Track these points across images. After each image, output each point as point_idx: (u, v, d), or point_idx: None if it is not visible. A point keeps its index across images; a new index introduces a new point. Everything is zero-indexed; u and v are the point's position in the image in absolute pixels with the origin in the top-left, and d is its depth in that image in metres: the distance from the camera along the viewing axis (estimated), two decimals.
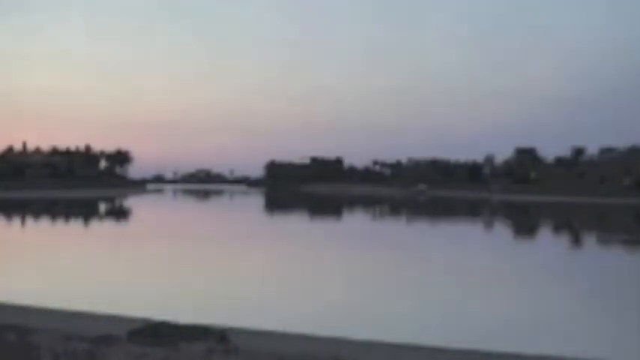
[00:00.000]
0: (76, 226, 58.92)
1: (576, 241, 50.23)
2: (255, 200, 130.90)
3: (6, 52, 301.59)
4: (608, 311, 21.79)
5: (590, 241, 50.60)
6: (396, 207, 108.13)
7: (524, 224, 70.99)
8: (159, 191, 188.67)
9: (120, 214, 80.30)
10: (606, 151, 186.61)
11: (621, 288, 26.91)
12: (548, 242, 48.87)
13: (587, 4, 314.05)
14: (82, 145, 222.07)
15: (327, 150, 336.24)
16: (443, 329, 18.53)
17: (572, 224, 71.30)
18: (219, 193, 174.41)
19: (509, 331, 18.62)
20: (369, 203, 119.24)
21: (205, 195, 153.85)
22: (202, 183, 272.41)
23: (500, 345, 16.45)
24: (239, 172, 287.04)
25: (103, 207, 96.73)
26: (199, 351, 11.26)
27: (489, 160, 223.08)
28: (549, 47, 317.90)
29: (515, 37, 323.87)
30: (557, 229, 63.37)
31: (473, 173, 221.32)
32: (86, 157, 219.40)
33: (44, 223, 61.79)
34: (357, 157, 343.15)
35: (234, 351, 11.54)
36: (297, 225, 64.97)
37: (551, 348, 16.39)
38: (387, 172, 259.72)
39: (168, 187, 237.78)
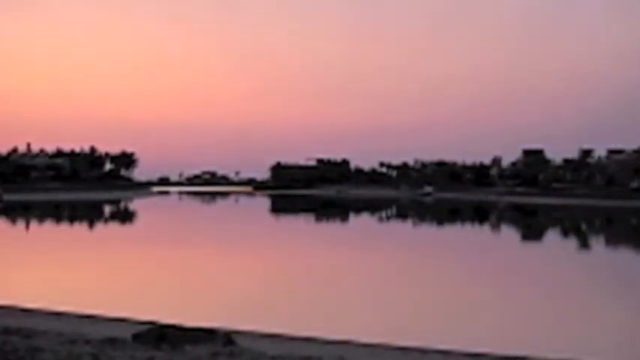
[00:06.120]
0: (81, 228, 58.94)
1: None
2: (261, 202, 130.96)
3: (8, 52, 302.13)
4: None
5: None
6: (402, 209, 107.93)
7: (535, 228, 70.79)
8: (164, 193, 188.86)
9: (125, 216, 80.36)
10: (614, 153, 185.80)
11: None
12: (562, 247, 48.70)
13: (593, 7, 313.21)
14: (86, 147, 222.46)
15: (333, 151, 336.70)
16: (452, 332, 18.38)
17: (581, 228, 71.12)
18: (224, 195, 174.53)
19: (520, 334, 18.47)
20: (376, 205, 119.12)
21: (211, 198, 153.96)
22: (208, 184, 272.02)
23: (508, 347, 16.29)
24: (244, 174, 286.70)
25: (107, 209, 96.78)
26: (205, 354, 11.14)
27: (497, 161, 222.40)
28: (556, 49, 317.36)
29: (521, 38, 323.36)
30: (575, 234, 63.23)
31: (480, 175, 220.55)
32: (91, 159, 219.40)
33: (49, 225, 61.84)
34: (363, 158, 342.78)
35: (239, 354, 11.42)
36: (305, 229, 64.90)
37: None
38: (394, 173, 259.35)
39: (174, 189, 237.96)
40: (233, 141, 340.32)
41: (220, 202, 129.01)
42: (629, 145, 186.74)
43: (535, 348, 16.31)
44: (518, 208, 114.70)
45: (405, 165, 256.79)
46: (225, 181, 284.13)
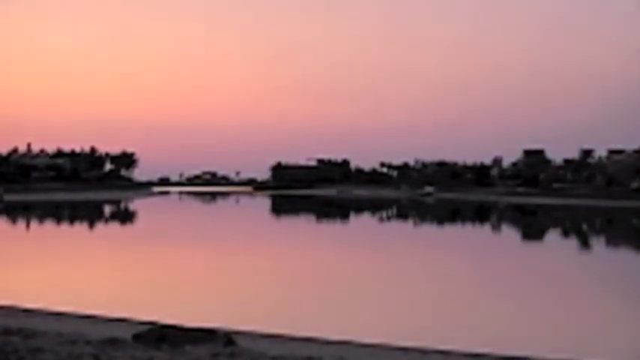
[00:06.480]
0: (81, 228, 58.96)
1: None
2: (262, 203, 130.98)
3: (9, 52, 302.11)
4: None
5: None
6: (403, 209, 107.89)
7: (536, 229, 70.80)
8: (164, 194, 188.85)
9: (125, 217, 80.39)
10: (615, 153, 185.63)
11: None
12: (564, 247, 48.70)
13: (594, 7, 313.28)
14: (87, 147, 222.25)
15: (334, 152, 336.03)
16: (452, 332, 18.38)
17: (582, 228, 71.10)
18: (225, 195, 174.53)
19: (520, 333, 18.47)
20: (377, 205, 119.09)
21: (212, 198, 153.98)
22: (208, 185, 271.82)
23: (512, 348, 16.28)
24: (245, 174, 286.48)
25: (108, 209, 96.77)
26: (205, 354, 11.15)
27: (497, 161, 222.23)
28: (556, 49, 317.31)
29: (521, 39, 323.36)
30: (575, 234, 63.26)
31: (480, 175, 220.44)
32: (91, 159, 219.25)
33: (49, 225, 61.86)
34: (364, 158, 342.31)
35: (239, 354, 11.42)
36: (305, 230, 64.93)
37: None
38: (394, 174, 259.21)
39: (174, 189, 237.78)
40: (233, 141, 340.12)
41: (221, 203, 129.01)
42: (629, 146, 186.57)
43: (535, 348, 16.31)
44: (518, 208, 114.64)
45: (405, 165, 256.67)
46: (225, 181, 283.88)
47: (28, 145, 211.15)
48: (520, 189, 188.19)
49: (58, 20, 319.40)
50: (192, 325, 14.06)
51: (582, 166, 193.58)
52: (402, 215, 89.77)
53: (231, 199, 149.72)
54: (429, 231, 61.21)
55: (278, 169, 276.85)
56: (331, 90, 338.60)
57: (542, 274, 30.98)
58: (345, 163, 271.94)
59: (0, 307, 19.99)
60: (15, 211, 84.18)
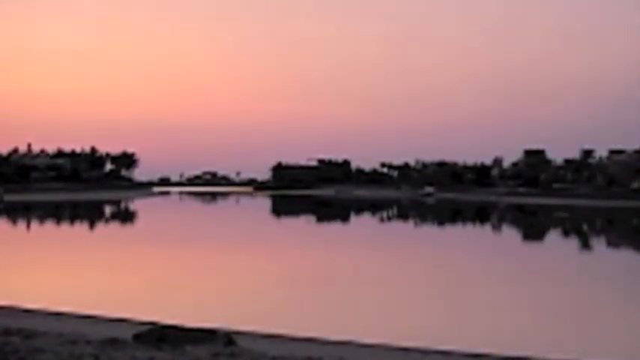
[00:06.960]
0: (81, 229, 58.96)
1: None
2: (262, 203, 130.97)
3: (8, 52, 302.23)
4: None
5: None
6: (403, 210, 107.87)
7: (536, 229, 70.80)
8: (165, 194, 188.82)
9: (125, 217, 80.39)
10: (615, 153, 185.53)
11: None
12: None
13: (594, 8, 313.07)
14: (87, 147, 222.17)
15: (334, 152, 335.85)
16: (453, 332, 18.38)
17: (582, 228, 71.10)
18: (225, 195, 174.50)
19: (520, 334, 18.47)
20: (377, 205, 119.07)
21: (212, 198, 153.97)
22: (208, 185, 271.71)
23: (512, 348, 16.28)
24: (245, 174, 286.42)
25: (108, 210, 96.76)
26: (205, 354, 11.15)
27: (498, 162, 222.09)
28: (557, 50, 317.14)
29: (522, 39, 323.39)
30: (575, 234, 63.22)
31: (481, 175, 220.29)
32: (91, 159, 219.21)
33: (49, 226, 61.85)
34: (364, 159, 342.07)
35: (240, 354, 11.42)
36: (305, 230, 64.93)
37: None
38: (395, 174, 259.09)
39: (174, 189, 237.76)
40: (234, 141, 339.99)
41: (221, 203, 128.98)
42: (630, 146, 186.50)
43: (535, 348, 16.30)
44: (519, 208, 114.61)
45: (406, 165, 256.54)
46: (225, 181, 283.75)
47: (29, 145, 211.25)
48: (521, 189, 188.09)
49: (58, 20, 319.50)
50: (192, 325, 14.06)
51: (583, 166, 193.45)
52: (403, 215, 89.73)
53: (232, 199, 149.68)
54: (430, 231, 61.20)
55: (278, 169, 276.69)
56: (331, 90, 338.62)
57: (543, 275, 30.97)
58: (346, 163, 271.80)
59: (0, 307, 19.99)
60: (15, 212, 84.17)
